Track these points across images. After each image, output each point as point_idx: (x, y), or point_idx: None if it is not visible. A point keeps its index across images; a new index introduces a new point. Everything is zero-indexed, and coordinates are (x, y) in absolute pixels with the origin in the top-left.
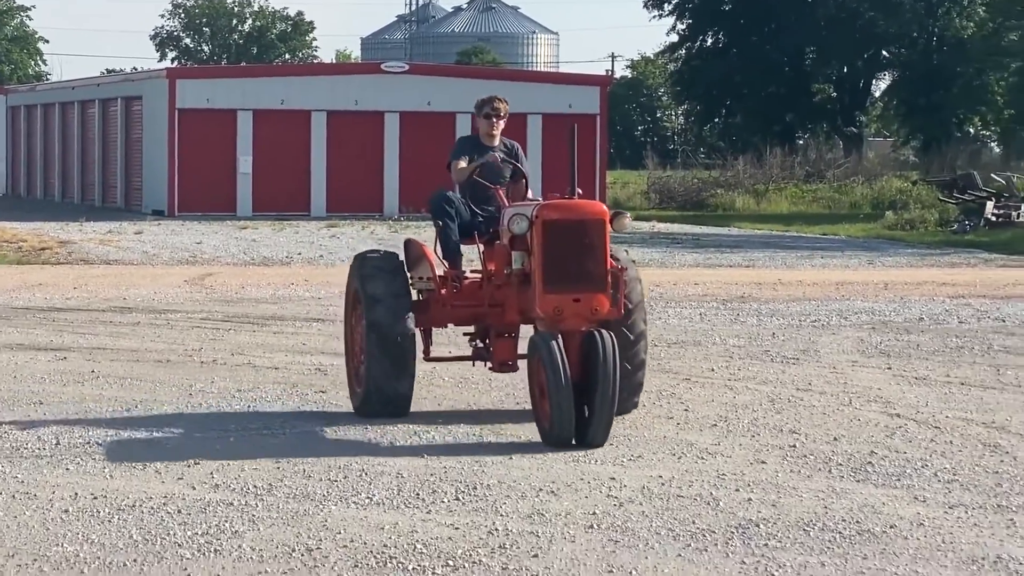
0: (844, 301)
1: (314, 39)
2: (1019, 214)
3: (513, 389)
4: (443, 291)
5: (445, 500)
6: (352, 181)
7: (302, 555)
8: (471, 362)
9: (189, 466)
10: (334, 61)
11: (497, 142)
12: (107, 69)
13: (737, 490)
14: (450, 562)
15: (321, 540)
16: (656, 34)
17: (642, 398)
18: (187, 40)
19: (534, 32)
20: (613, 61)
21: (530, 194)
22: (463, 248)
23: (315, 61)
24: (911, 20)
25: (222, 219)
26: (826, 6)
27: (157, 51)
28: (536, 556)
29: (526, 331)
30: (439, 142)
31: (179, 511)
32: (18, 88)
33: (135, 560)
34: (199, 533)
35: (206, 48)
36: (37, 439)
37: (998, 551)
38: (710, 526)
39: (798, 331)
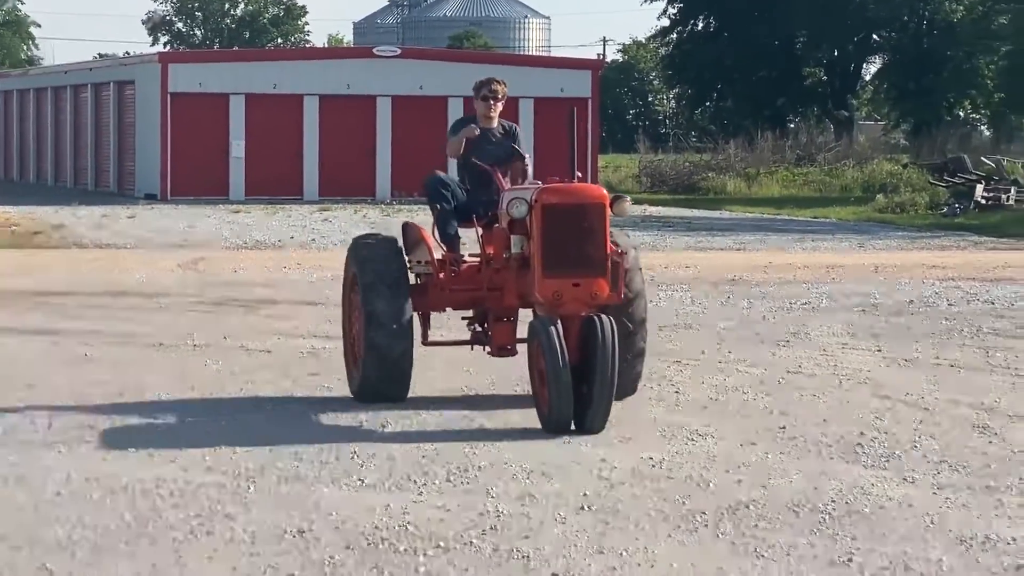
0: (834, 284)
1: (306, 23)
2: (1009, 197)
3: (507, 373)
4: (441, 275)
5: (436, 482)
6: (344, 165)
7: (294, 537)
8: (469, 347)
9: (181, 449)
10: (326, 45)
11: (495, 124)
12: (99, 54)
13: (727, 472)
14: (441, 544)
15: (313, 522)
16: (647, 18)
17: None
18: (179, 24)
19: (526, 16)
20: (605, 45)
21: (530, 174)
22: (461, 231)
23: (307, 45)
24: (901, 4)
25: (215, 203)
26: None
27: (149, 35)
28: (527, 538)
29: (525, 315)
30: (431, 126)
31: (171, 494)
32: (10, 73)
33: (127, 543)
34: (191, 516)
35: (198, 33)
36: (29, 422)
37: (986, 531)
38: (700, 508)
39: (788, 314)
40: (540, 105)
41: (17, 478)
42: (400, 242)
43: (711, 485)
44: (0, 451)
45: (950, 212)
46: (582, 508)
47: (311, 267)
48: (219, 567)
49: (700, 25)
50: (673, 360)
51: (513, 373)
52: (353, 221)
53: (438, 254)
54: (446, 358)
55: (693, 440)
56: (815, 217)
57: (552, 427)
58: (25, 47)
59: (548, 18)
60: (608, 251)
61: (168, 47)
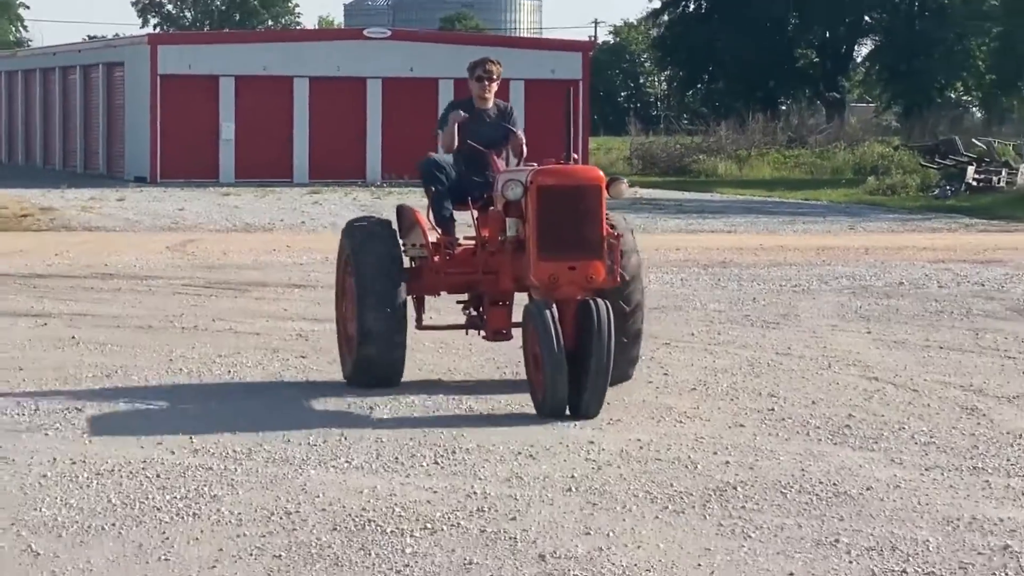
0: (825, 266)
1: (297, 5)
2: (1000, 179)
3: (499, 356)
4: (436, 258)
5: (424, 464)
6: (335, 147)
7: (281, 518)
8: (464, 331)
9: (168, 431)
10: (317, 27)
11: (490, 104)
12: (88, 36)
13: (715, 453)
14: (428, 525)
15: (300, 504)
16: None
17: None
18: (169, 6)
19: None
20: (596, 27)
21: (525, 152)
22: (457, 214)
23: (298, 27)
24: None
25: (204, 186)
26: None
27: (139, 17)
28: (514, 519)
29: (521, 299)
30: (422, 108)
31: (158, 475)
32: None
33: (113, 524)
34: (178, 497)
35: (188, 14)
36: (16, 404)
37: (973, 512)
38: (688, 489)
39: (779, 296)
40: (531, 87)
41: (3, 460)
42: (394, 225)
43: (698, 467)
44: None
45: (941, 194)
46: (569, 490)
47: (301, 250)
48: (205, 548)
49: (691, 7)
50: (663, 342)
51: (505, 357)
52: (343, 204)
53: (433, 237)
54: (440, 342)
55: (681, 422)
56: (806, 199)
57: (547, 412)
58: (14, 29)
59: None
60: (604, 234)
61: (158, 29)
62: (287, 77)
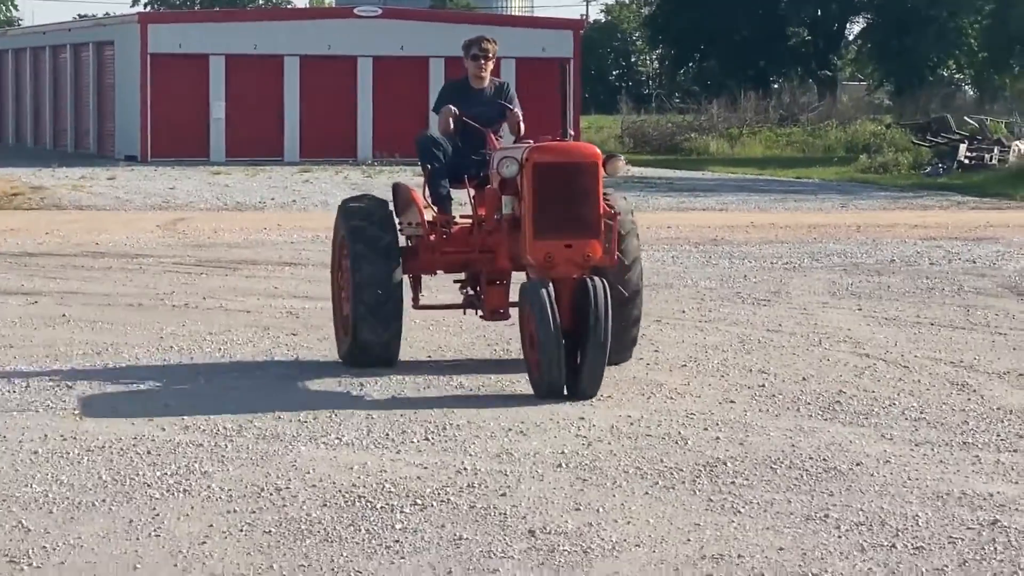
0: (816, 243)
1: None
2: (992, 157)
3: (489, 333)
4: (432, 237)
5: (415, 441)
6: (325, 126)
7: (271, 494)
8: (461, 310)
9: (159, 408)
10: (307, 6)
11: (486, 83)
12: (79, 14)
13: (705, 429)
14: (419, 501)
15: (290, 480)
16: None
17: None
18: None
19: None
20: (587, 5)
21: (523, 130)
22: (453, 192)
23: (288, 6)
24: None
25: (195, 164)
26: None
27: None
28: (504, 495)
29: (519, 278)
30: (412, 87)
31: (148, 452)
32: None
33: (104, 500)
34: (168, 473)
35: None
36: (7, 381)
37: (963, 487)
38: (678, 464)
39: (770, 273)
40: (522, 65)
41: None
42: (390, 204)
43: (689, 443)
44: None
45: (933, 172)
46: (559, 466)
47: (291, 228)
48: (196, 524)
49: None
50: (653, 319)
51: (496, 334)
52: (334, 182)
53: (429, 215)
54: (431, 319)
55: (672, 398)
56: (798, 177)
57: (544, 392)
58: (4, 8)
59: None
60: (601, 212)
61: (148, 7)
62: (278, 56)
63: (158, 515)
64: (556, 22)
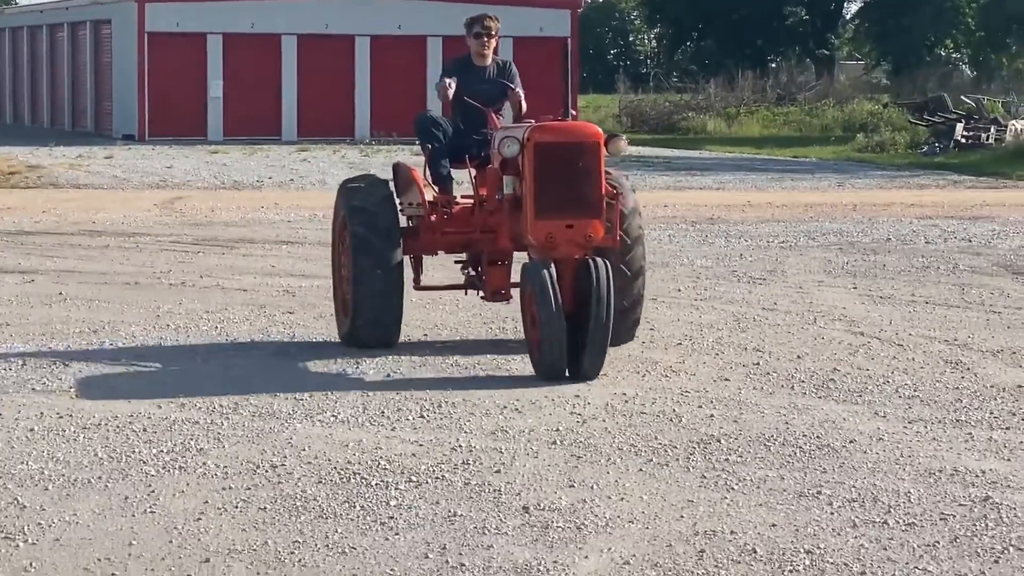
0: (812, 222)
1: None
2: (988, 136)
3: (485, 312)
4: (433, 217)
5: (410, 418)
6: (323, 105)
7: (266, 471)
8: (463, 291)
9: (155, 385)
10: None
11: (489, 62)
12: None
13: (700, 407)
14: (413, 478)
15: (286, 457)
16: None
17: None
18: None
19: None
20: None
21: (525, 109)
22: (454, 172)
23: None
24: None
25: (193, 143)
26: None
27: None
28: (498, 472)
29: (521, 259)
30: (410, 66)
31: (144, 429)
32: None
33: (100, 477)
34: (164, 451)
35: None
36: (3, 360)
37: (955, 464)
38: (672, 442)
39: (766, 252)
40: (519, 45)
41: None
42: (391, 184)
43: (683, 420)
44: None
45: (930, 151)
46: (554, 443)
47: (288, 207)
48: (191, 501)
49: None
50: (649, 298)
51: (492, 313)
52: (332, 162)
53: (430, 195)
54: (427, 298)
55: (667, 376)
56: (795, 157)
57: (545, 373)
58: None
59: None
60: (603, 192)
61: None
62: (275, 35)
63: (154, 492)
64: (554, 1)
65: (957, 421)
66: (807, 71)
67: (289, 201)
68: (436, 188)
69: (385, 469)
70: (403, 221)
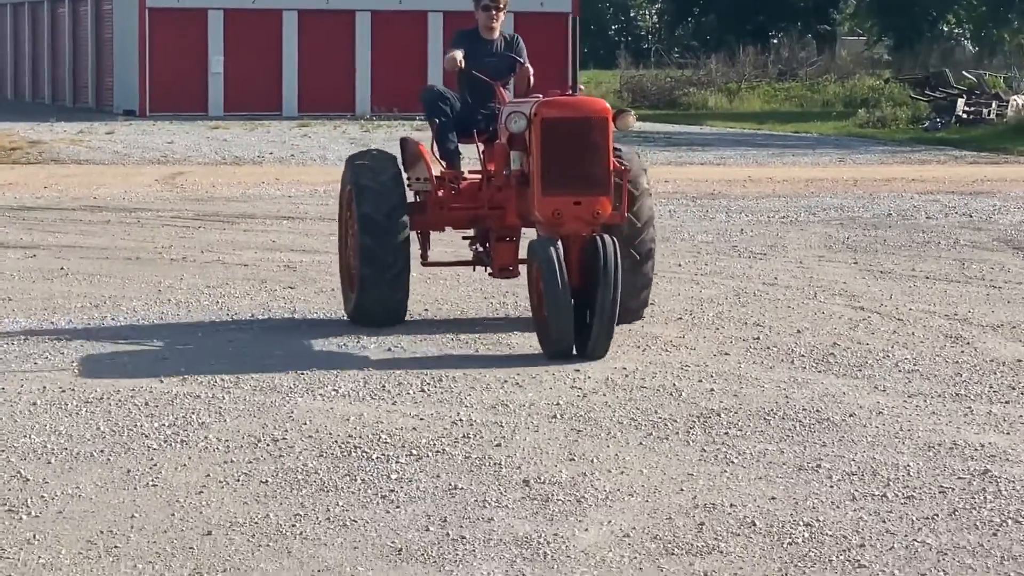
0: (813, 198)
1: None
2: (990, 111)
3: (486, 286)
4: (440, 193)
5: (411, 392)
6: (324, 81)
7: (267, 445)
8: (471, 267)
9: (157, 360)
10: None
11: (496, 35)
12: None
13: (700, 381)
14: (414, 452)
15: (287, 431)
16: None
17: None
18: None
19: None
20: None
21: (533, 83)
22: (462, 147)
23: None
24: None
25: (194, 119)
26: None
27: None
28: (499, 445)
29: (529, 234)
30: (411, 41)
31: (146, 403)
32: None
33: (102, 451)
34: (166, 424)
35: None
36: (5, 334)
37: (954, 437)
38: (672, 416)
39: (766, 227)
40: (520, 20)
41: None
42: (398, 159)
43: (683, 394)
44: None
45: (931, 126)
46: (554, 417)
47: (289, 182)
48: (193, 474)
49: None
50: None
51: (493, 287)
52: (332, 137)
53: (437, 170)
54: (428, 273)
55: (667, 351)
56: (796, 132)
57: (552, 351)
58: None
59: None
60: (611, 168)
61: None
62: (276, 10)
63: (156, 465)
64: None
65: (956, 395)
66: (808, 46)
67: (290, 176)
68: (443, 163)
69: (386, 443)
70: (410, 196)
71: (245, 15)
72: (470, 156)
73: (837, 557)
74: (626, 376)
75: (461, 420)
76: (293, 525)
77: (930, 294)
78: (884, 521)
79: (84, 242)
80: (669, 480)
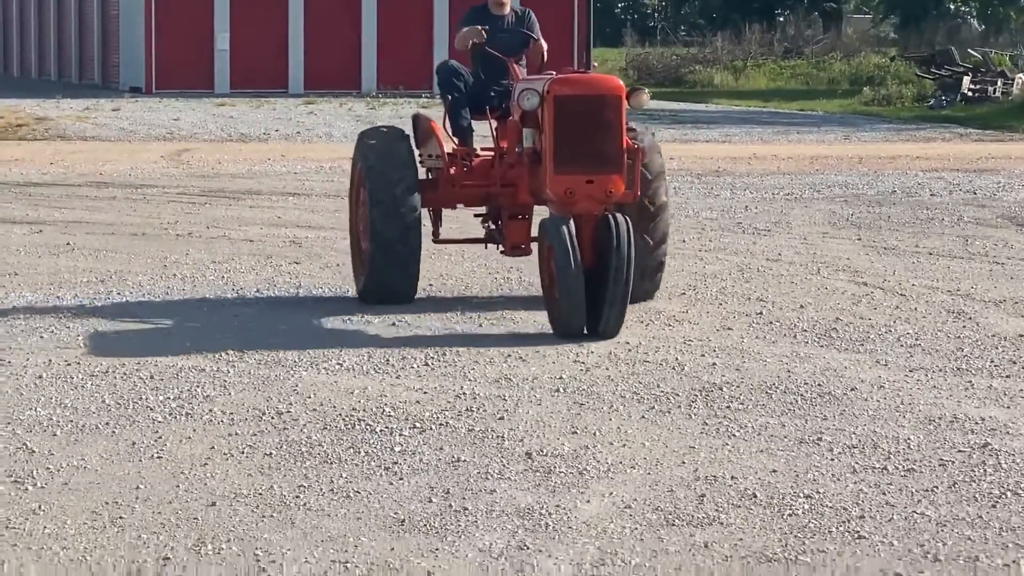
0: (818, 175)
1: None
2: (995, 89)
3: (491, 262)
4: (452, 170)
5: (414, 366)
6: (330, 58)
7: (272, 418)
8: (483, 245)
9: (162, 333)
10: None
11: (507, 11)
12: None
13: (702, 355)
14: (417, 424)
15: (291, 404)
16: None
17: None
18: None
19: None
20: None
21: (546, 59)
22: (475, 124)
23: None
24: None
25: (199, 96)
26: None
27: None
28: (502, 419)
29: (542, 212)
30: (417, 18)
31: (151, 376)
32: None
33: (107, 423)
34: (171, 398)
35: None
36: (11, 308)
37: (955, 411)
38: (674, 389)
39: (771, 204)
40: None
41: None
42: (410, 135)
43: (685, 368)
44: None
45: (936, 104)
46: (557, 391)
47: (295, 159)
48: (197, 447)
49: None
50: None
51: (498, 263)
52: (338, 114)
53: (449, 147)
54: (433, 249)
55: (670, 325)
56: (801, 110)
57: (563, 330)
58: None
59: None
60: (624, 146)
61: None
62: None
63: (160, 438)
64: None
65: (958, 369)
66: (815, 24)
67: (295, 153)
68: (456, 140)
69: (390, 416)
70: (422, 173)
71: None
72: (483, 133)
73: (837, 528)
74: (629, 350)
75: (464, 393)
76: (297, 496)
77: (933, 270)
78: (884, 493)
79: (90, 218)
80: (671, 453)
